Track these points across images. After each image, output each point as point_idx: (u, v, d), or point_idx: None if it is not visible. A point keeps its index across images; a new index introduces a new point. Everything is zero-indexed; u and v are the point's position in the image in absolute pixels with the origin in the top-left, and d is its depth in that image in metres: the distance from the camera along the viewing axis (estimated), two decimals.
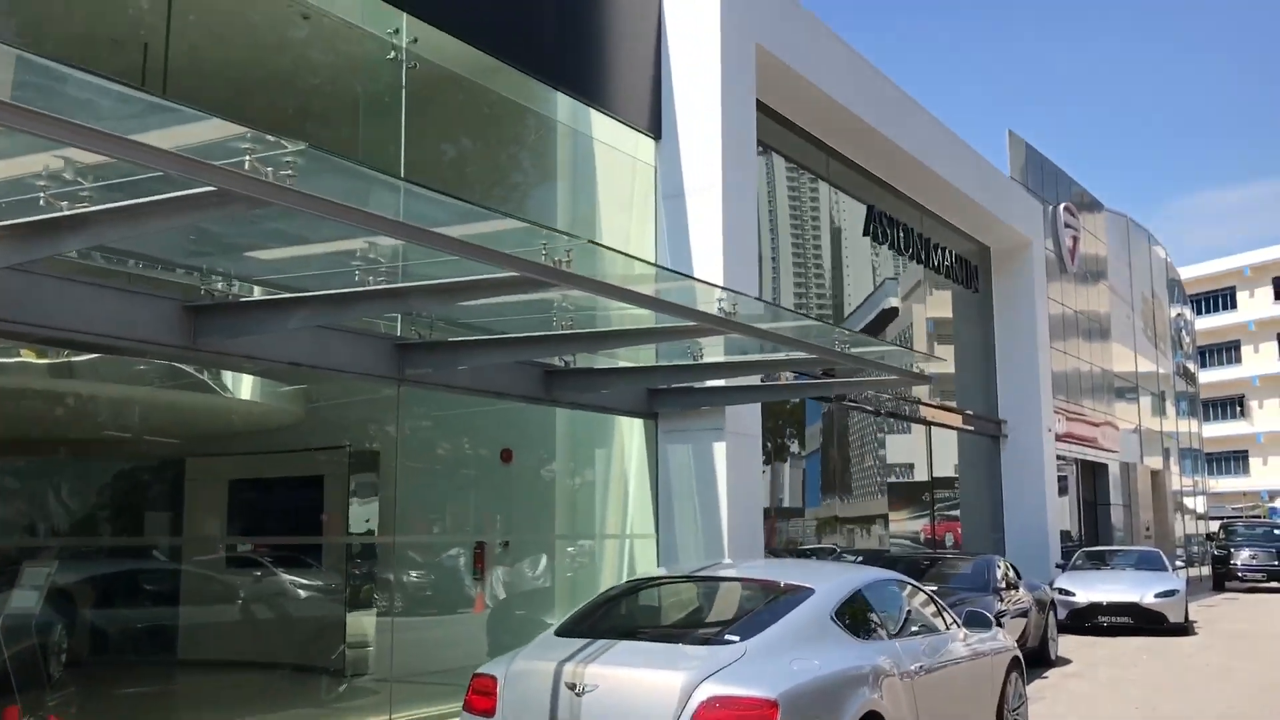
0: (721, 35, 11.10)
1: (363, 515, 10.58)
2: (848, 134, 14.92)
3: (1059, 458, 22.11)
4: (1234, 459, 61.31)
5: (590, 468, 11.35)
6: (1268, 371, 60.35)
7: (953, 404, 19.29)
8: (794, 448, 14.67)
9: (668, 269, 9.14)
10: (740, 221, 11.14)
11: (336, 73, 9.39)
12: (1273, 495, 53.13)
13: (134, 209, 4.49)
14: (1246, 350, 61.99)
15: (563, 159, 11.11)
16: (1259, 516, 39.31)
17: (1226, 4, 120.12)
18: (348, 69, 9.27)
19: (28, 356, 7.87)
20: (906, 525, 17.65)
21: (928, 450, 18.24)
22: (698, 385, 10.29)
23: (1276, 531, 27.67)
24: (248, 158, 4.13)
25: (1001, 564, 12.79)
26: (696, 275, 9.90)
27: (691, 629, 6.29)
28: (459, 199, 5.35)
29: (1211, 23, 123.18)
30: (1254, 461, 61.04)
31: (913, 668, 5.99)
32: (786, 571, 6.93)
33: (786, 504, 14.46)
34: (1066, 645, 14.15)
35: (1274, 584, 25.69)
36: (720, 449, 10.51)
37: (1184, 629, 16.36)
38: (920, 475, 18.22)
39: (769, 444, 13.53)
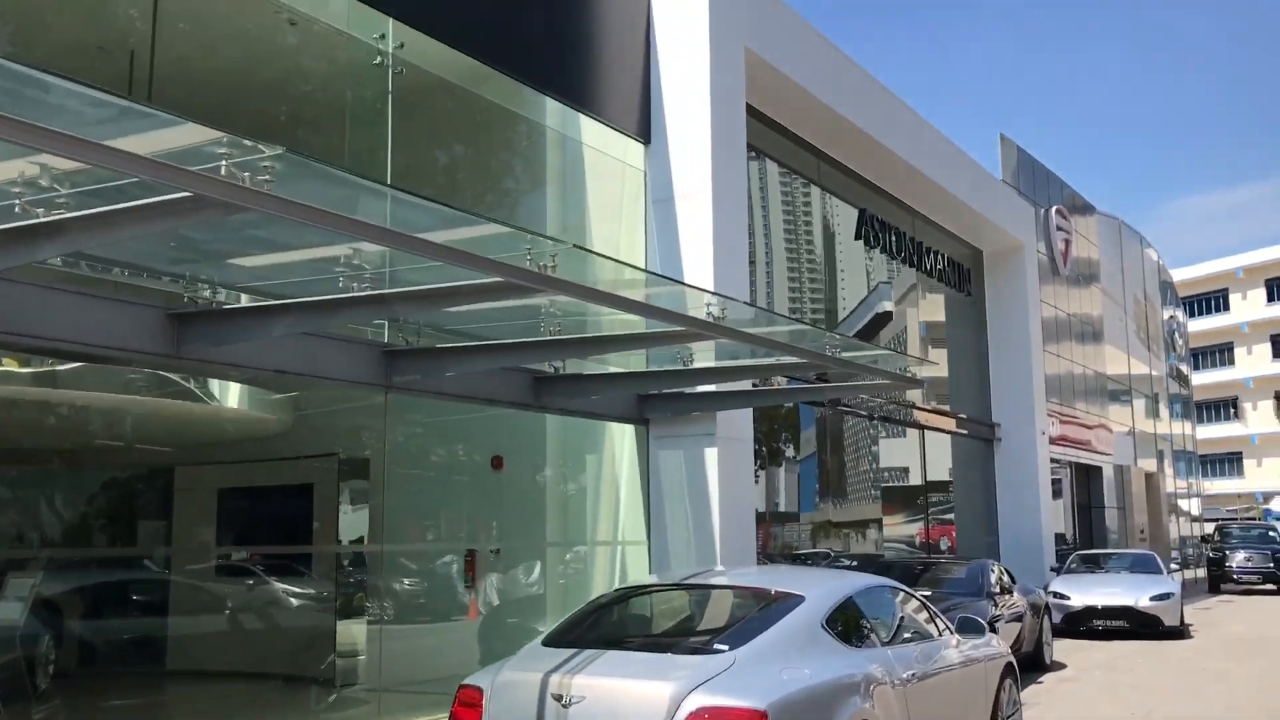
0: (711, 39, 11.07)
1: (352, 523, 10.52)
2: (838, 138, 14.90)
3: (1053, 461, 22.09)
4: (1228, 461, 61.41)
5: (581, 474, 11.29)
6: (1261, 373, 60.46)
7: (946, 408, 19.26)
8: (789, 452, 14.63)
9: (656, 274, 9.10)
10: (731, 226, 11.10)
11: (323, 79, 9.34)
12: (1267, 497, 53.21)
13: (110, 215, 4.43)
14: (1240, 352, 62.11)
15: (552, 164, 11.06)
16: (1254, 518, 39.32)
17: (1217, 9, 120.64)
18: (335, 75, 9.22)
19: (10, 366, 7.79)
20: (901, 529, 17.61)
21: (922, 454, 18.21)
22: (688, 391, 10.24)
23: (1271, 534, 27.68)
24: (224, 162, 4.08)
25: (995, 568, 12.74)
26: (687, 280, 9.84)
27: (680, 638, 6.22)
28: (442, 204, 5.30)
29: (1202, 27, 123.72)
30: (1248, 463, 61.14)
31: (905, 676, 5.93)
32: (777, 579, 6.86)
33: (782, 508, 14.42)
34: (1061, 649, 14.09)
35: (1269, 586, 25.69)
36: (711, 454, 10.46)
37: (1179, 632, 16.31)
38: (915, 479, 18.18)
39: (763, 449, 13.49)
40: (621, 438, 10.93)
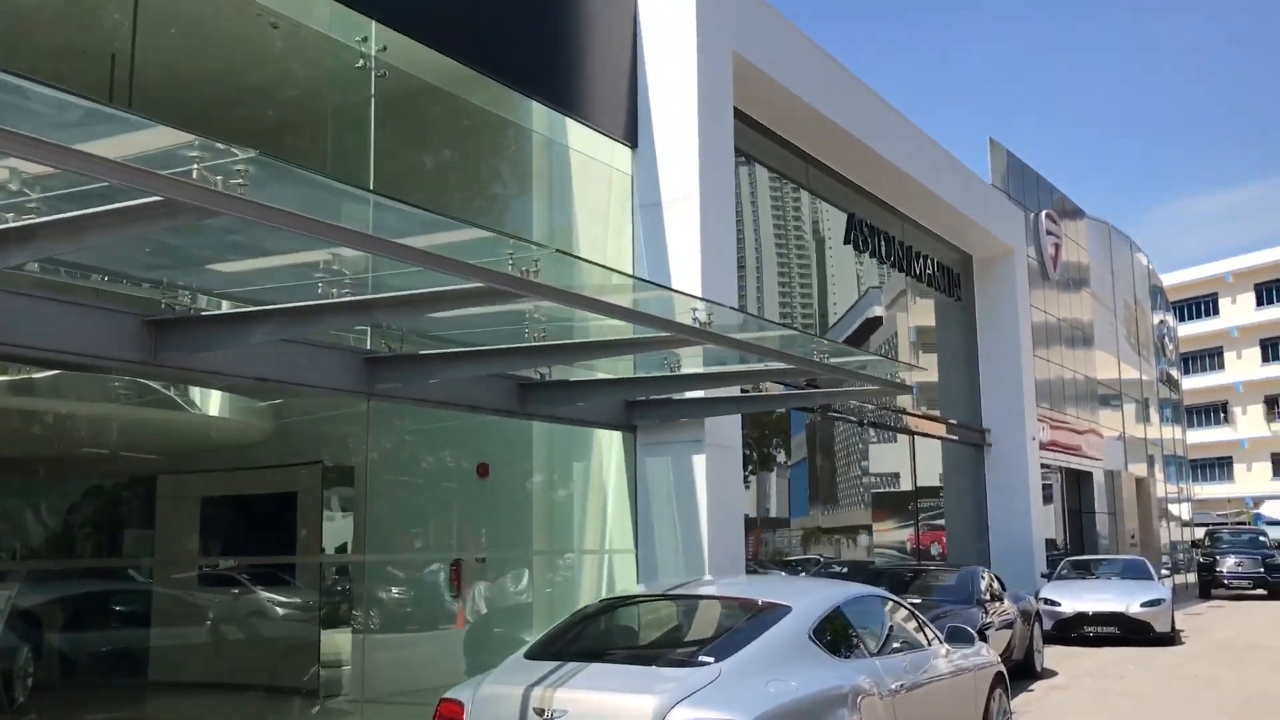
0: (698, 43, 11.00)
1: (337, 532, 10.40)
2: (827, 142, 14.84)
3: (1043, 466, 22.05)
4: (1218, 465, 61.52)
5: (568, 482, 11.19)
6: (1251, 377, 60.57)
7: (937, 413, 19.22)
8: (779, 458, 14.56)
9: (641, 279, 9.02)
10: (718, 230, 11.02)
11: (306, 83, 9.24)
12: (1258, 501, 53.23)
13: (79, 220, 4.33)
14: (1230, 356, 62.24)
15: (538, 168, 10.97)
16: (1244, 523, 39.32)
17: (1207, 13, 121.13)
18: (317, 79, 9.13)
19: None
20: (892, 535, 17.55)
21: (912, 460, 18.15)
22: (677, 397, 10.16)
23: (1262, 539, 27.70)
24: (196, 166, 3.99)
25: (986, 575, 12.69)
26: (674, 285, 9.77)
27: (665, 650, 6.14)
28: (422, 208, 5.21)
29: (1192, 31, 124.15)
30: (1238, 468, 61.26)
31: (894, 686, 5.85)
32: (764, 589, 6.79)
33: (772, 514, 14.35)
34: (1052, 656, 14.04)
35: (1260, 591, 25.68)
36: (700, 461, 10.37)
37: (1170, 638, 16.27)
38: (905, 485, 18.13)
39: (753, 455, 13.41)
40: (609, 445, 10.83)
